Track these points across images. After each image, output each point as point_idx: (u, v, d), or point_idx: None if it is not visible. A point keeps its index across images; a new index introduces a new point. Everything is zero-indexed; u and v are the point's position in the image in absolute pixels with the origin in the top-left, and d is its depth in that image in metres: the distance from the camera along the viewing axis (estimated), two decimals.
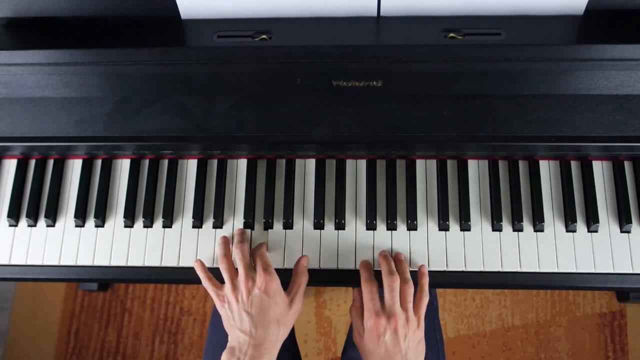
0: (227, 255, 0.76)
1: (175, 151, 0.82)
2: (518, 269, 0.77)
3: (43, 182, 0.83)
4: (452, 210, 0.79)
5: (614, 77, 0.71)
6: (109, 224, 0.81)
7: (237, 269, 0.74)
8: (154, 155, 0.83)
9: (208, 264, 0.78)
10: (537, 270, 0.77)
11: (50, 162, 0.84)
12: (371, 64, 0.71)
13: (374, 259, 0.78)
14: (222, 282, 0.75)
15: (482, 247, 0.78)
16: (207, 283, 0.75)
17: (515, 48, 0.70)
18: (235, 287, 0.72)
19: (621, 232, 0.78)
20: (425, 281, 0.75)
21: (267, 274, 0.71)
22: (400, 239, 0.79)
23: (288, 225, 0.80)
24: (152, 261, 0.79)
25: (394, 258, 0.76)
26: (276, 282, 0.72)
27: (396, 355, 0.69)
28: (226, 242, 0.78)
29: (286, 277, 0.79)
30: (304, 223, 0.80)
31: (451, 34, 0.70)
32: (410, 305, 0.71)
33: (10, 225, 0.82)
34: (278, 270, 0.78)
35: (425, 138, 0.73)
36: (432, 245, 0.78)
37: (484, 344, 1.50)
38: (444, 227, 0.79)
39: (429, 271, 0.77)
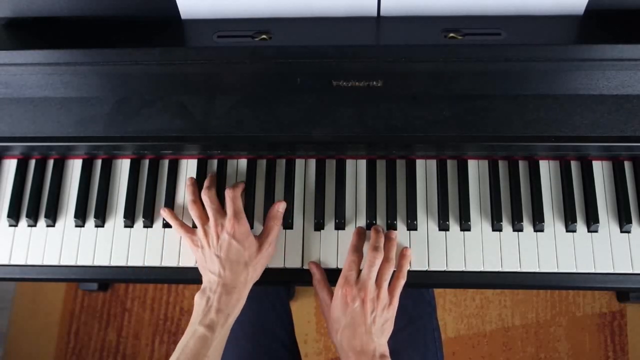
0: (197, 201, 0.78)
1: (175, 151, 0.82)
2: (518, 269, 0.77)
3: (43, 182, 0.83)
4: (452, 210, 0.79)
5: (614, 77, 0.71)
6: (109, 224, 0.81)
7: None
8: (154, 155, 0.83)
9: None
10: (537, 270, 0.77)
11: (50, 162, 0.84)
12: (371, 64, 0.71)
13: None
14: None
15: (482, 247, 0.78)
16: (180, 230, 0.78)
17: (515, 48, 0.70)
18: (206, 232, 0.75)
19: (621, 232, 0.78)
20: (405, 263, 0.76)
21: (236, 220, 0.74)
22: (400, 239, 0.79)
23: (288, 225, 0.80)
24: (152, 261, 0.80)
25: (385, 235, 0.77)
26: (245, 227, 0.74)
27: (360, 327, 0.70)
28: (194, 186, 0.80)
29: (285, 276, 0.79)
30: (304, 223, 0.80)
31: (451, 34, 0.70)
32: (385, 284, 0.73)
33: (10, 225, 0.82)
34: (278, 270, 0.78)
35: (425, 138, 0.73)
36: (432, 245, 0.78)
37: (484, 344, 1.50)
38: (444, 227, 0.79)
39: (429, 271, 0.77)
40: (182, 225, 0.78)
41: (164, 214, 0.79)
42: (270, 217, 0.78)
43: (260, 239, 0.76)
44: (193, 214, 0.77)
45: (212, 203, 0.76)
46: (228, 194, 0.77)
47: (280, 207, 0.78)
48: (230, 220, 0.74)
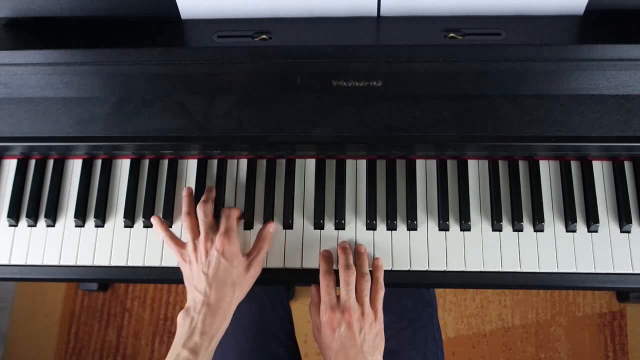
0: (191, 213, 0.77)
1: (175, 151, 0.82)
2: (518, 269, 0.77)
3: (43, 182, 0.83)
4: (452, 210, 0.79)
5: (614, 77, 0.71)
6: (109, 224, 0.81)
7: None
8: (154, 155, 0.83)
9: None
10: (537, 270, 0.77)
11: (50, 162, 0.84)
12: (371, 64, 0.71)
13: (373, 257, 0.78)
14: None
15: (482, 247, 0.78)
16: (169, 242, 0.76)
17: (515, 48, 0.70)
18: (195, 247, 0.74)
19: (621, 232, 0.78)
20: (380, 274, 0.75)
21: (226, 237, 0.73)
22: (400, 239, 0.79)
23: (288, 225, 0.80)
24: (152, 261, 0.79)
25: (354, 250, 0.77)
26: (235, 246, 0.73)
27: (351, 349, 0.69)
28: (190, 197, 0.78)
29: (285, 276, 0.79)
30: (304, 223, 0.80)
31: (451, 34, 0.70)
32: (366, 299, 0.72)
33: (10, 225, 0.82)
34: (278, 270, 0.78)
35: (425, 138, 0.73)
36: (432, 245, 0.78)
37: (484, 344, 1.50)
38: (444, 227, 0.79)
39: (429, 271, 0.77)
40: (172, 237, 0.77)
41: (154, 221, 0.78)
42: (261, 237, 0.77)
43: (249, 258, 0.75)
44: (185, 225, 0.76)
45: (205, 217, 0.75)
46: (225, 211, 0.76)
47: (271, 227, 0.78)
48: (220, 237, 0.73)
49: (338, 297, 0.73)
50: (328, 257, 0.77)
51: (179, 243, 0.76)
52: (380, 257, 0.77)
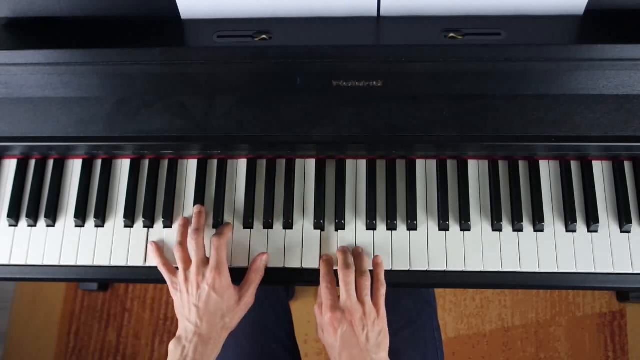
0: (184, 243, 0.77)
1: (175, 151, 0.82)
2: (518, 269, 0.77)
3: (43, 182, 0.83)
4: (452, 210, 0.79)
5: (614, 77, 0.71)
6: (109, 224, 0.81)
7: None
8: (154, 155, 0.83)
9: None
10: (537, 270, 0.77)
11: (50, 162, 0.84)
12: (371, 64, 0.71)
13: (373, 256, 0.78)
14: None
15: (482, 247, 0.78)
16: (162, 269, 0.77)
17: (515, 48, 0.70)
18: (187, 279, 0.74)
19: (621, 232, 0.78)
20: (381, 271, 0.75)
21: (217, 272, 0.73)
22: (400, 239, 0.79)
23: (288, 225, 0.80)
24: (152, 261, 0.79)
25: (352, 252, 0.77)
26: (225, 279, 0.73)
27: (355, 348, 0.69)
28: (185, 227, 0.78)
29: (285, 276, 0.79)
30: (304, 223, 0.80)
31: (451, 34, 0.70)
32: (367, 298, 0.72)
33: (10, 225, 0.82)
34: (278, 270, 0.78)
35: (425, 138, 0.73)
36: (432, 245, 0.78)
37: (484, 344, 1.50)
38: (444, 227, 0.79)
39: (429, 271, 0.77)
40: (166, 264, 0.77)
41: (150, 248, 0.78)
42: (253, 269, 0.77)
43: (241, 291, 0.75)
44: (177, 255, 0.76)
45: (197, 249, 0.75)
46: (214, 242, 0.75)
47: (264, 259, 0.77)
48: (211, 271, 0.72)
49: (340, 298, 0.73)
50: (328, 260, 0.77)
51: (171, 270, 0.76)
52: (380, 255, 0.78)
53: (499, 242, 0.78)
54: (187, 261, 0.75)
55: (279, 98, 0.74)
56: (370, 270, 0.75)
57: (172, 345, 0.72)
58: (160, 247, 0.79)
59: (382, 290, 0.74)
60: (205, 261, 0.74)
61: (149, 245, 0.79)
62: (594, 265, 0.76)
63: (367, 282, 0.73)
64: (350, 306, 0.71)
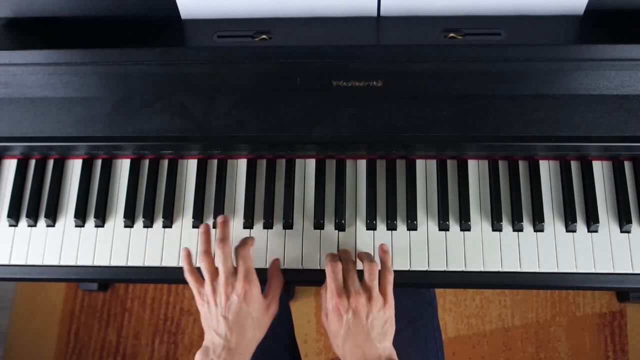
0: (208, 251, 0.73)
1: (175, 151, 0.82)
2: (518, 269, 0.77)
3: (43, 182, 0.83)
4: (452, 210, 0.79)
5: (614, 77, 0.71)
6: (109, 224, 0.82)
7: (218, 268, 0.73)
8: (154, 155, 0.83)
9: None
10: (537, 270, 0.77)
11: (50, 162, 0.84)
12: (371, 64, 0.71)
13: (373, 254, 0.78)
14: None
15: (482, 247, 0.78)
16: (189, 277, 0.74)
17: (515, 48, 0.70)
18: (214, 290, 0.71)
19: (621, 232, 0.78)
20: (387, 257, 0.74)
21: (247, 282, 0.70)
22: (400, 239, 0.79)
23: (288, 225, 0.80)
24: (152, 261, 0.80)
25: (357, 255, 0.77)
26: (256, 289, 0.71)
27: (359, 335, 0.68)
28: (207, 234, 0.75)
29: (285, 276, 0.79)
30: (304, 223, 0.80)
31: (451, 34, 0.70)
32: (375, 283, 0.70)
33: (10, 225, 0.82)
34: None
35: (425, 138, 0.73)
36: (432, 245, 0.78)
37: (484, 344, 1.50)
38: (444, 227, 0.79)
39: (429, 271, 0.77)
40: (193, 272, 0.74)
41: (183, 254, 0.76)
42: (273, 275, 0.76)
43: (267, 298, 0.74)
44: (203, 266, 0.72)
45: (225, 260, 0.71)
46: (239, 252, 0.73)
47: (278, 263, 0.78)
48: (241, 282, 0.70)
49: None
50: (333, 253, 0.76)
51: (198, 280, 0.73)
52: (385, 243, 0.77)
53: (499, 242, 0.78)
54: (213, 272, 0.72)
55: (279, 98, 0.74)
56: None
57: (198, 357, 0.69)
58: (191, 254, 0.77)
59: (390, 278, 0.72)
60: (234, 271, 0.72)
61: (181, 250, 0.77)
62: (594, 265, 0.76)
63: (375, 268, 0.71)
64: (355, 291, 0.69)
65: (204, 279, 0.72)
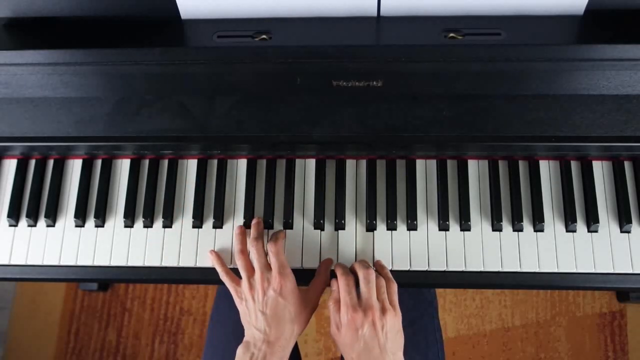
0: (244, 251, 0.76)
1: (175, 151, 0.82)
2: (518, 269, 0.77)
3: (43, 182, 0.83)
4: (452, 210, 0.79)
5: (614, 77, 0.71)
6: (109, 224, 0.81)
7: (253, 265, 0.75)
8: (154, 155, 0.83)
9: (208, 265, 0.78)
10: (537, 270, 0.77)
11: (50, 162, 0.84)
12: (371, 64, 0.71)
13: (373, 259, 0.78)
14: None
15: (482, 247, 0.78)
16: (225, 278, 0.76)
17: (515, 48, 0.70)
18: (252, 286, 0.73)
19: (621, 232, 0.78)
20: (387, 270, 0.76)
21: (282, 276, 0.72)
22: (400, 239, 0.79)
23: (288, 225, 0.80)
24: (152, 261, 0.79)
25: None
26: (291, 283, 0.73)
27: (374, 349, 0.69)
28: (243, 235, 0.78)
29: None
30: (304, 223, 0.80)
31: (451, 34, 0.70)
32: (385, 296, 0.71)
33: (10, 225, 0.82)
34: None
35: (425, 138, 0.73)
36: (432, 245, 0.78)
37: (484, 344, 1.50)
38: (444, 227, 0.79)
39: (429, 271, 0.77)
40: (228, 273, 0.76)
41: (212, 257, 0.78)
42: (319, 272, 0.77)
43: (308, 293, 0.75)
44: (239, 264, 0.75)
45: (259, 257, 0.74)
46: (271, 248, 0.74)
47: (329, 263, 0.78)
48: (276, 277, 0.72)
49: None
50: (341, 264, 0.77)
51: (234, 280, 0.75)
52: (380, 258, 0.78)
53: (499, 242, 0.78)
54: (249, 269, 0.75)
55: (279, 98, 0.74)
56: None
57: (240, 351, 0.71)
58: (221, 256, 0.78)
59: (394, 287, 0.73)
60: (268, 267, 0.74)
61: (209, 254, 0.78)
62: (594, 265, 0.76)
63: (382, 281, 0.73)
64: (372, 305, 0.69)
65: (239, 279, 0.75)
